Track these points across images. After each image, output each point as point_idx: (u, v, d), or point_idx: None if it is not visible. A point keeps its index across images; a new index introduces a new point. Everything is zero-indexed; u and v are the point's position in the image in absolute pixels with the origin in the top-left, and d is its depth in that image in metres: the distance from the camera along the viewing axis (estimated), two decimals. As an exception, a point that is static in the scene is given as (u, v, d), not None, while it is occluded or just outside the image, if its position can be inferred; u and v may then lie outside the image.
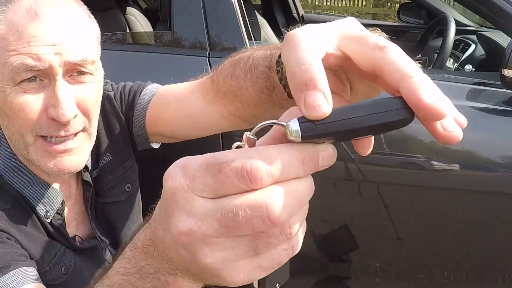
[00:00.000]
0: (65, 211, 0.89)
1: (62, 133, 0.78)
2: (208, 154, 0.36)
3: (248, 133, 0.38)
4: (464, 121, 0.39)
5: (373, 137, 0.41)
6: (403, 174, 1.49)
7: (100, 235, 0.95)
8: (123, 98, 1.00)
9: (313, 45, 0.36)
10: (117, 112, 0.99)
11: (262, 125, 0.38)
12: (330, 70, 0.43)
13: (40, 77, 0.76)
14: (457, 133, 0.37)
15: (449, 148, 1.47)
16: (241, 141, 0.38)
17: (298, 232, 0.38)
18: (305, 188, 0.36)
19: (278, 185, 0.35)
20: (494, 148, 1.47)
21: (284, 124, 0.36)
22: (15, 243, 0.78)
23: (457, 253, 1.57)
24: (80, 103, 0.79)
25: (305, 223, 0.39)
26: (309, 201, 0.38)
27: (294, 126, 0.35)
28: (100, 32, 0.86)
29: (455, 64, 2.39)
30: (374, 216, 1.55)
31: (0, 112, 0.78)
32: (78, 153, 0.82)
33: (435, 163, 1.46)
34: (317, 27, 0.39)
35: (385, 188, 1.52)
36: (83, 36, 0.79)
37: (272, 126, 0.38)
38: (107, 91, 0.99)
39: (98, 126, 0.89)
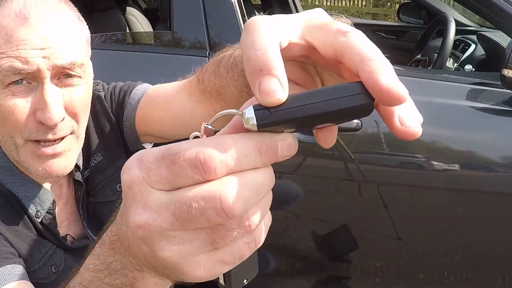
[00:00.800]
0: (56, 210, 0.89)
1: (50, 136, 0.78)
2: (164, 145, 0.35)
3: (206, 123, 0.37)
4: (421, 118, 0.37)
5: (336, 128, 0.39)
6: (403, 174, 1.49)
7: (91, 235, 0.95)
8: (113, 98, 1.00)
9: (271, 31, 0.35)
10: (107, 112, 0.99)
11: (220, 115, 0.37)
12: (296, 62, 0.42)
13: (28, 79, 0.76)
14: (415, 129, 0.36)
15: (449, 148, 1.47)
16: (199, 132, 0.37)
17: (260, 224, 0.36)
18: (263, 179, 0.35)
19: (233, 176, 0.33)
20: (494, 148, 1.47)
21: (241, 113, 0.35)
22: (4, 241, 0.78)
23: (457, 253, 1.57)
24: (68, 106, 0.80)
25: (269, 215, 0.38)
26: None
27: (249, 114, 0.34)
28: (90, 34, 0.86)
29: (455, 64, 2.38)
30: (374, 216, 1.55)
31: None
32: (66, 156, 0.82)
33: (435, 163, 1.46)
34: (281, 17, 0.38)
35: (385, 188, 1.52)
36: (71, 39, 0.79)
37: (234, 116, 0.37)
38: (98, 91, 0.99)
39: (88, 126, 0.89)
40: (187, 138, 0.35)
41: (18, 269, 0.74)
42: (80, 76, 0.80)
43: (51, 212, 0.87)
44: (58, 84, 0.78)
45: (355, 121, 1.44)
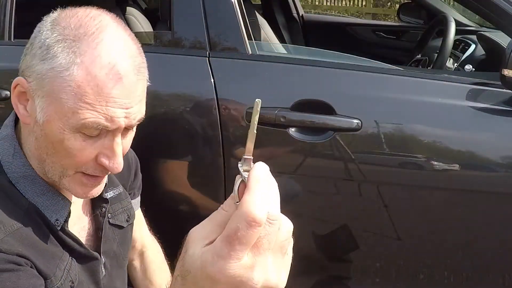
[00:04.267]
0: (71, 218, 0.89)
1: (104, 173, 0.83)
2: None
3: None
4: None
5: None
6: (403, 174, 1.49)
7: (100, 252, 0.96)
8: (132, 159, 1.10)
9: None
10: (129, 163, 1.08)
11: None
12: None
13: (104, 131, 0.78)
14: None
15: (449, 148, 1.47)
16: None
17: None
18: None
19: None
20: (494, 148, 1.47)
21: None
22: (31, 268, 0.78)
23: (457, 253, 1.57)
24: (123, 152, 0.83)
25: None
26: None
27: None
28: None
29: (455, 64, 2.38)
30: (374, 216, 1.54)
31: (48, 143, 0.79)
32: (102, 182, 0.87)
33: (435, 163, 1.45)
34: None
35: (385, 188, 1.52)
36: (144, 97, 0.81)
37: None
38: None
39: None
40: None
41: None
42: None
43: (67, 220, 0.87)
44: (122, 135, 0.81)
45: (355, 121, 1.44)
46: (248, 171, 0.49)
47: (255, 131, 0.50)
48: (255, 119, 0.50)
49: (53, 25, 0.77)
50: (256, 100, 0.50)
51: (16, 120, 0.86)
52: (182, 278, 0.53)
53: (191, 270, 0.52)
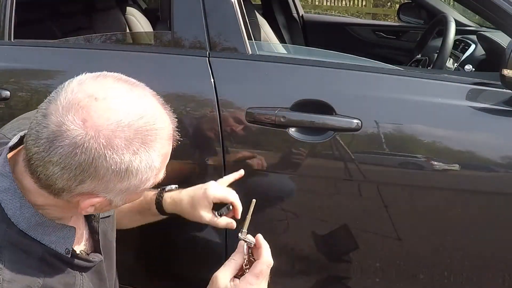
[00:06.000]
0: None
1: None
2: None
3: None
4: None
5: None
6: (403, 174, 1.49)
7: (100, 252, 1.02)
8: None
9: None
10: None
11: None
12: None
13: None
14: None
15: (449, 148, 1.47)
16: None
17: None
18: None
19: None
20: (494, 148, 1.47)
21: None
22: None
23: (457, 253, 1.57)
24: None
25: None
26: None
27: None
28: None
29: (455, 64, 2.38)
30: (374, 216, 1.55)
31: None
32: None
33: (435, 163, 1.45)
34: None
35: (385, 188, 1.52)
36: None
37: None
38: None
39: None
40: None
41: None
42: None
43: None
44: None
45: (355, 121, 1.44)
46: (246, 238, 0.98)
47: (250, 217, 1.00)
48: (250, 210, 1.01)
49: (108, 143, 0.73)
50: (253, 199, 1.03)
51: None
52: None
53: None
